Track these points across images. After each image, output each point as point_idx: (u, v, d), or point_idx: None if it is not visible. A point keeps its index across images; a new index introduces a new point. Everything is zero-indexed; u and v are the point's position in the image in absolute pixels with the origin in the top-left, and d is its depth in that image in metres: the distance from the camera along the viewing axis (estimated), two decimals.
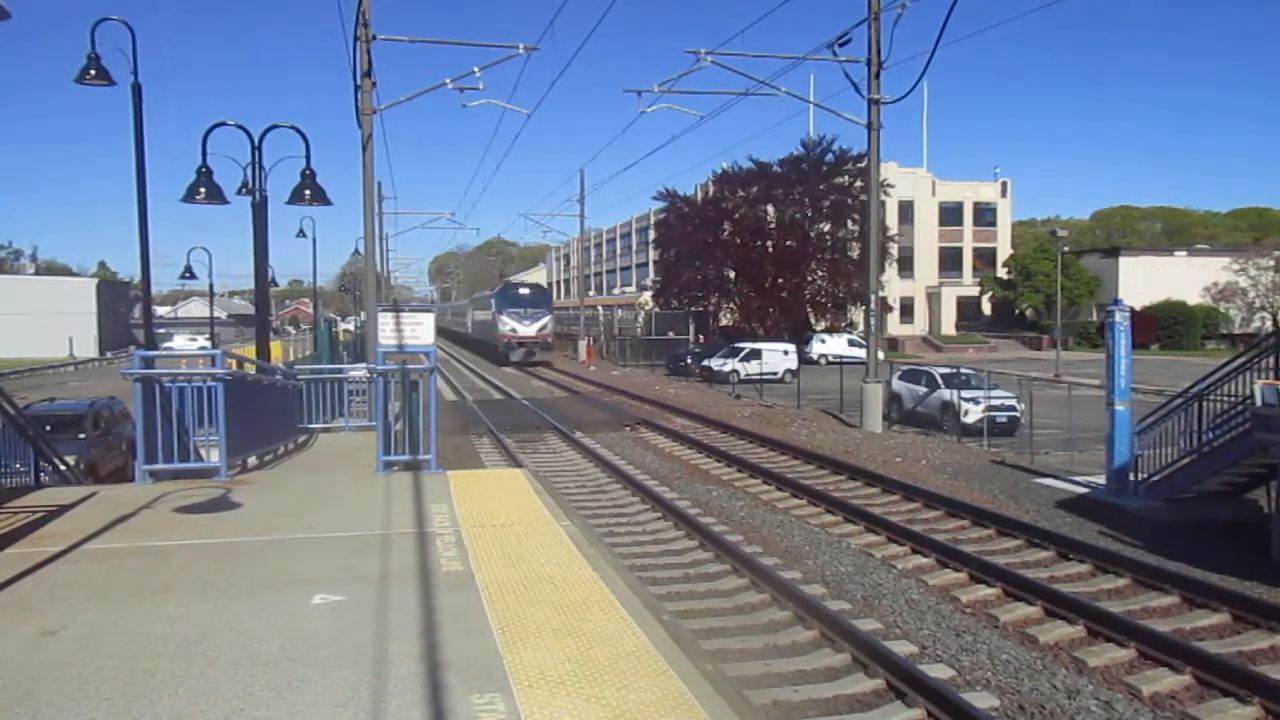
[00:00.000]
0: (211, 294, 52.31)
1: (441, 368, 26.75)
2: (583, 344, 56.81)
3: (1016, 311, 65.63)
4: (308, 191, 14.22)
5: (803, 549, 11.72)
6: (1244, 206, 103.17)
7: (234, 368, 12.03)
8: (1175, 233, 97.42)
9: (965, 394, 22.60)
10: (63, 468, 11.38)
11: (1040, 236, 73.42)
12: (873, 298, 24.36)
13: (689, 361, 44.09)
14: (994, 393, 22.65)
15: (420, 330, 11.17)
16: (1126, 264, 63.28)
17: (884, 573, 10.66)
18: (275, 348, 25.64)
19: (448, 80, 21.70)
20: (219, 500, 8.00)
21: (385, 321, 11.18)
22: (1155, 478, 13.68)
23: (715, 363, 40.39)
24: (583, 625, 4.71)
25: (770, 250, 52.62)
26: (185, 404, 10.10)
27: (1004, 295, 66.58)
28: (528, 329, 50.42)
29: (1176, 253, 68.51)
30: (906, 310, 67.30)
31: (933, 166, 73.63)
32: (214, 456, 9.85)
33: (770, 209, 53.40)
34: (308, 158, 14.13)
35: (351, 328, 57.45)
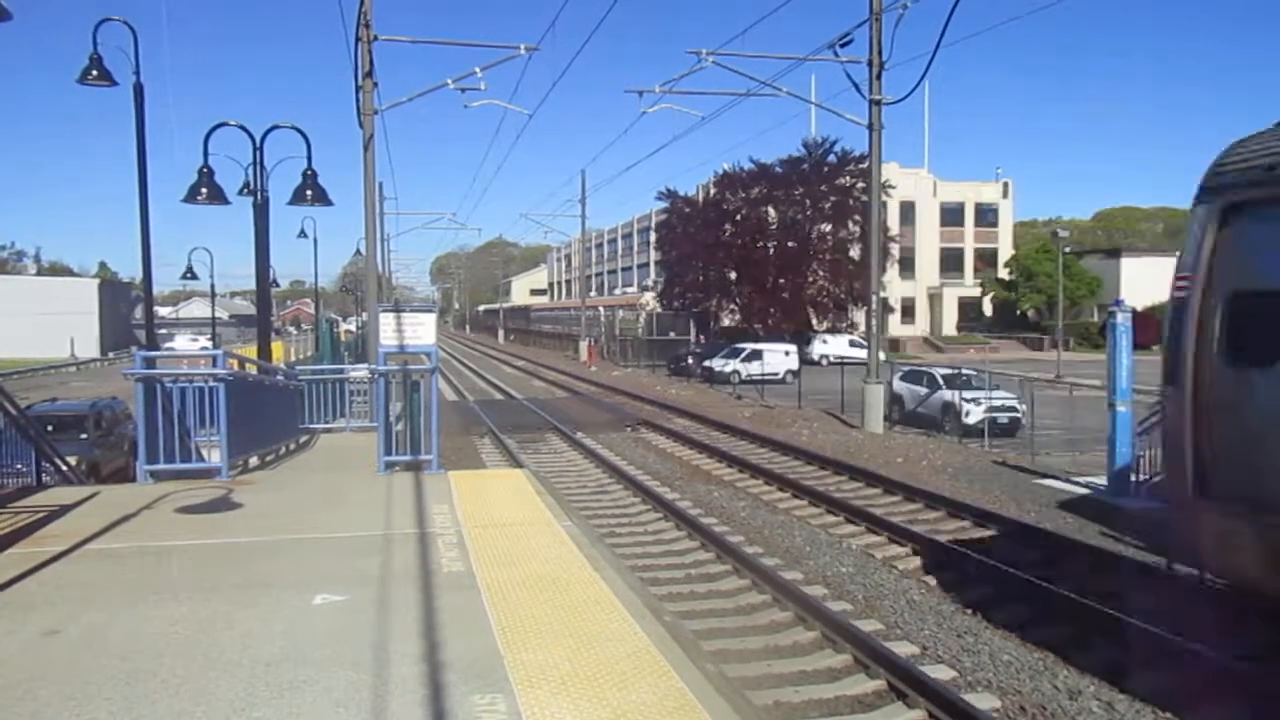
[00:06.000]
0: (213, 294, 52.29)
1: (442, 368, 26.76)
2: (584, 344, 56.87)
3: (1018, 312, 65.58)
4: (309, 192, 14.25)
5: (804, 549, 11.71)
6: None
7: (235, 368, 12.05)
8: (1177, 233, 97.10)
9: (967, 395, 22.59)
10: (64, 468, 11.38)
11: (1042, 237, 73.32)
12: (874, 298, 24.35)
13: (690, 362, 44.07)
14: (995, 393, 22.64)
15: (421, 330, 11.17)
16: (1128, 264, 63.27)
17: (885, 573, 10.65)
18: (277, 348, 25.62)
19: (449, 81, 21.71)
20: (220, 500, 8.00)
21: (387, 322, 11.17)
22: (1157, 478, 13.66)
23: (716, 363, 40.39)
24: (584, 625, 4.71)
25: (772, 251, 52.60)
26: (187, 404, 10.12)
27: (1005, 296, 66.51)
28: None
29: (1178, 253, 68.31)
30: (908, 311, 67.25)
31: (934, 167, 73.63)
32: (215, 457, 9.85)
33: (772, 210, 53.37)
34: (309, 158, 14.17)
35: (353, 328, 57.45)
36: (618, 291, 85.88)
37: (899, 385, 25.93)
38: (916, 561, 11.04)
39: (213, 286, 49.74)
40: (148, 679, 4.03)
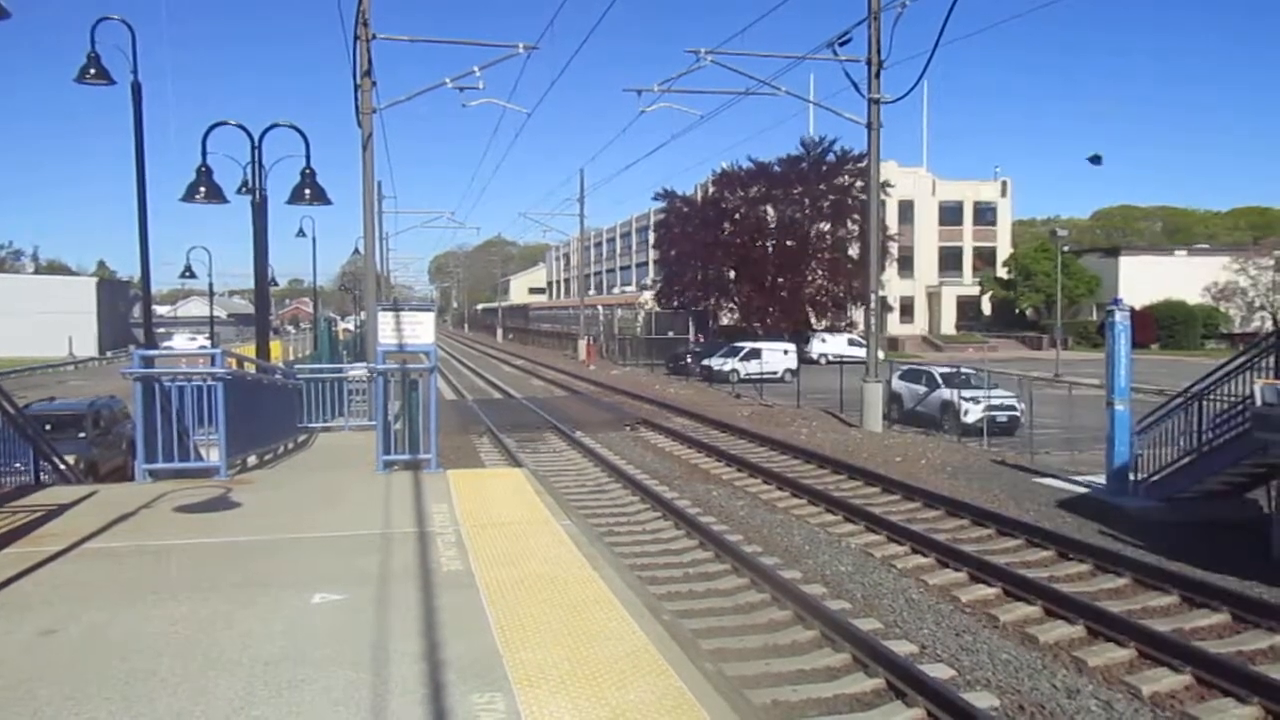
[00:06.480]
0: (211, 293, 52.27)
1: (441, 367, 26.76)
2: (582, 343, 56.88)
3: (1016, 311, 65.62)
4: (308, 191, 14.20)
5: (803, 548, 11.72)
6: (1244, 206, 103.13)
7: (234, 367, 12.03)
8: (1175, 232, 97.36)
9: (965, 393, 22.61)
10: (62, 467, 11.36)
11: (1040, 236, 73.36)
12: (873, 297, 24.36)
13: (689, 361, 44.09)
14: (994, 392, 22.66)
15: (420, 329, 11.15)
16: (1127, 263, 63.32)
17: (884, 572, 10.66)
18: (275, 347, 25.64)
19: (448, 80, 21.70)
20: (219, 499, 7.99)
21: (385, 321, 11.16)
22: (1155, 477, 13.66)
23: (715, 362, 40.40)
24: (582, 624, 4.71)
25: (770, 250, 52.60)
26: (185, 403, 10.09)
27: (1004, 295, 66.55)
28: None
29: (1176, 252, 68.58)
30: (906, 310, 67.28)
31: (933, 166, 73.64)
32: (214, 456, 9.84)
33: (770, 209, 53.36)
34: (308, 157, 14.11)
35: (351, 327, 57.40)
36: (616, 290, 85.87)
37: (898, 384, 25.94)
38: (915, 560, 11.05)
39: (211, 285, 49.71)
40: (147, 678, 4.03)
